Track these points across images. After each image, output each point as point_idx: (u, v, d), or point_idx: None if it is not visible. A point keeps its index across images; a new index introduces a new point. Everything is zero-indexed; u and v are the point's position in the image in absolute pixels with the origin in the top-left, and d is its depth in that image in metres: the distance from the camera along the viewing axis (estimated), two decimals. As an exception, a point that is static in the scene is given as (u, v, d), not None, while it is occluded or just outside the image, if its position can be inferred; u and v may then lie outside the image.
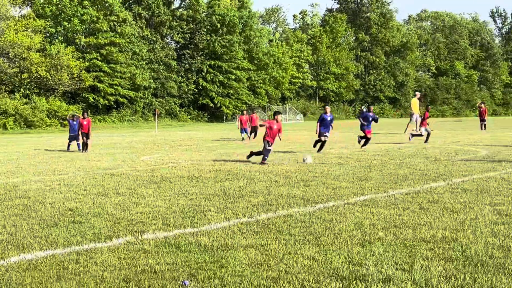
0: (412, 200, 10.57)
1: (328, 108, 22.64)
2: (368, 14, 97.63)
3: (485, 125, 41.27)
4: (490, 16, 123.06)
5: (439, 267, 6.22)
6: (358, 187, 12.37)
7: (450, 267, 6.22)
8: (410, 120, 37.34)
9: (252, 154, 18.62)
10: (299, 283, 5.82)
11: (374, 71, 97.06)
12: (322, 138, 21.60)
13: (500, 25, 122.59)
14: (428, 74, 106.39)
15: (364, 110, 24.82)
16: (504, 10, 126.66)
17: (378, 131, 40.54)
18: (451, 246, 7.10)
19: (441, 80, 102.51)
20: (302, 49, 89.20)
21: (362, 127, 23.41)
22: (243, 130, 32.40)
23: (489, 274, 5.94)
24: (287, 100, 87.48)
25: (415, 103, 37.69)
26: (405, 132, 35.52)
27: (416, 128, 34.30)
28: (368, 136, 23.27)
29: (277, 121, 18.43)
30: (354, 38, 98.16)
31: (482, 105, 43.92)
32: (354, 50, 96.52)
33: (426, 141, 26.62)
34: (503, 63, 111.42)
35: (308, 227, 8.34)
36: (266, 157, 17.97)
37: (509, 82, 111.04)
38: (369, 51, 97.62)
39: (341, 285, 5.74)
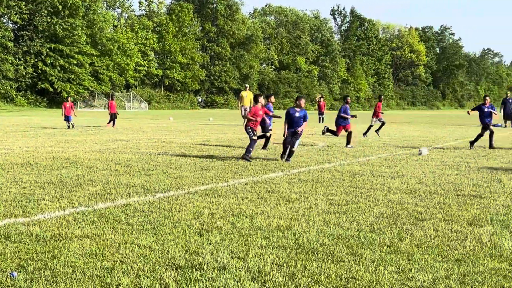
0: (251, 189, 10.81)
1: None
2: (215, 5, 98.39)
3: (323, 118, 43.21)
4: (330, 14, 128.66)
5: (272, 255, 6.40)
6: (199, 176, 12.44)
7: (283, 255, 6.43)
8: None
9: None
10: (134, 273, 5.74)
11: (220, 62, 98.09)
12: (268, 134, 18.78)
13: (339, 23, 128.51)
14: (271, 68, 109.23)
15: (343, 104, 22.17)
16: (344, 8, 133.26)
17: (221, 122, 41.04)
18: (285, 234, 7.34)
19: (284, 73, 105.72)
20: (147, 37, 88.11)
21: (341, 123, 21.33)
22: (66, 117, 31.15)
23: (319, 261, 6.21)
24: (132, 87, 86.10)
25: (243, 96, 35.86)
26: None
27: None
28: (350, 129, 21.01)
29: (262, 105, 16.47)
30: (200, 28, 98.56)
31: (321, 99, 45.97)
32: (201, 40, 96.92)
33: (364, 134, 26.65)
34: (341, 60, 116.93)
35: (147, 217, 8.26)
36: (251, 150, 15.64)
37: (346, 78, 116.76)
38: (215, 42, 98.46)
39: (176, 274, 5.74)
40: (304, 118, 15.72)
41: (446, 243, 7.05)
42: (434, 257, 6.44)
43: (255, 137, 15.90)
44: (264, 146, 18.87)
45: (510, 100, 37.47)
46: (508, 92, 40.63)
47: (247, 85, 38.61)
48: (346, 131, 20.98)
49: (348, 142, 20.55)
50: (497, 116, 20.89)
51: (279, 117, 18.07)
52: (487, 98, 20.81)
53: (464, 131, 32.00)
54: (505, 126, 36.67)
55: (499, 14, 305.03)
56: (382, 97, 28.80)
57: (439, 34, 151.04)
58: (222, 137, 24.83)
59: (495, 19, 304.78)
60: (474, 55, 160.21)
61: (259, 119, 16.26)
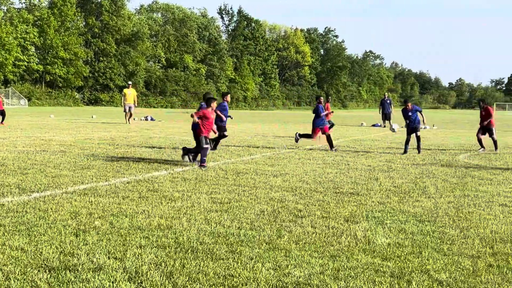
0: (133, 188, 10.62)
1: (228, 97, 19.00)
2: (99, 0, 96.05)
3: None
4: (218, 13, 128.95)
5: (151, 255, 6.31)
6: (79, 175, 12.08)
7: (162, 254, 6.35)
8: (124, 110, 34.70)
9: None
10: (3, 276, 5.47)
11: (105, 59, 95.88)
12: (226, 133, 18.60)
13: (227, 22, 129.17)
14: (158, 65, 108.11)
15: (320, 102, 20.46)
16: (231, 8, 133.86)
17: (105, 120, 40.17)
18: (165, 234, 7.26)
19: (171, 71, 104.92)
20: (28, 31, 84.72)
21: (318, 124, 19.95)
22: None
23: (198, 260, 6.18)
24: (11, 83, 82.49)
25: (126, 93, 34.70)
26: (127, 122, 34.10)
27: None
28: (328, 132, 19.95)
29: (212, 109, 14.91)
30: (84, 23, 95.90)
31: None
32: (84, 36, 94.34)
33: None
34: (229, 59, 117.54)
35: (21, 217, 7.91)
36: (205, 158, 14.34)
37: (233, 77, 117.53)
38: (100, 37, 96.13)
39: (49, 276, 5.53)
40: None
41: (323, 239, 7.22)
42: (311, 253, 6.58)
43: (207, 145, 14.43)
44: (214, 147, 18.32)
45: (388, 101, 39.06)
46: (386, 93, 42.36)
47: (130, 82, 37.77)
48: (323, 133, 19.86)
49: (331, 146, 19.42)
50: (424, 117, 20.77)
51: (231, 117, 18.54)
52: (408, 102, 19.60)
53: (345, 131, 33.01)
54: (384, 126, 38.18)
55: (381, 17, 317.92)
56: (330, 97, 28.84)
57: (324, 36, 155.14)
58: (105, 135, 24.27)
59: (377, 22, 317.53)
60: (357, 57, 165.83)
61: (210, 122, 14.71)
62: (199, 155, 14.67)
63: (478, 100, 23.42)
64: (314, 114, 20.27)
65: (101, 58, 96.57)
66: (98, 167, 13.57)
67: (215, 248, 6.65)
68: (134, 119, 35.94)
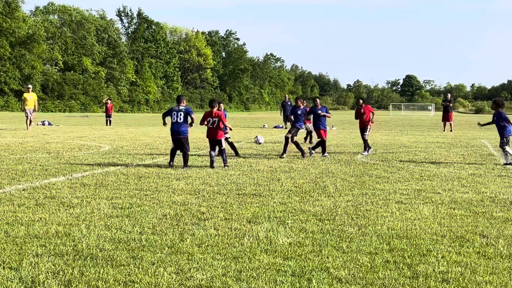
0: (29, 196, 10.26)
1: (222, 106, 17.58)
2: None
3: (110, 120, 42.50)
4: (116, 15, 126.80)
5: (48, 263, 6.11)
6: (-29, 183, 11.54)
7: (59, 262, 6.16)
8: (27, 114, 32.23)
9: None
10: None
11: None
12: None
13: (126, 24, 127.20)
14: (55, 68, 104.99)
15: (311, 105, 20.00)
16: (130, 9, 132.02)
17: (0, 126, 38.65)
18: (63, 241, 7.05)
19: (69, 75, 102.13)
20: None
21: (321, 126, 19.05)
22: None
23: (98, 267, 6.04)
24: None
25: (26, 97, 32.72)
26: (28, 128, 31.97)
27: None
28: (324, 138, 19.04)
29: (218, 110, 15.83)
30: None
31: (109, 101, 45.15)
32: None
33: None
34: (129, 62, 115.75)
35: None
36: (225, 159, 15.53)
37: (134, 80, 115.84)
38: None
39: None
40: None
41: (225, 241, 7.24)
42: (213, 255, 6.58)
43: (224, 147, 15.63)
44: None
45: (289, 103, 39.67)
46: (287, 95, 43.00)
47: (30, 86, 35.63)
48: (319, 137, 19.10)
49: (324, 150, 18.77)
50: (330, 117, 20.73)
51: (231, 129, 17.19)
52: (317, 100, 19.97)
53: (247, 133, 33.25)
54: (286, 128, 38.75)
55: (281, 20, 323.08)
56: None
57: (225, 39, 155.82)
58: (0, 141, 23.32)
59: (277, 25, 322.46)
60: (258, 59, 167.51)
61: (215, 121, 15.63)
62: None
63: (357, 99, 22.85)
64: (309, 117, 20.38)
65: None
66: (-9, 174, 13.01)
67: (116, 254, 6.52)
68: (32, 124, 34.46)
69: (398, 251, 6.89)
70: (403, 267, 6.26)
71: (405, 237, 7.59)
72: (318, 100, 20.13)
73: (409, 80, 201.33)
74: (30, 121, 32.64)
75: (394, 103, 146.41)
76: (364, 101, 21.16)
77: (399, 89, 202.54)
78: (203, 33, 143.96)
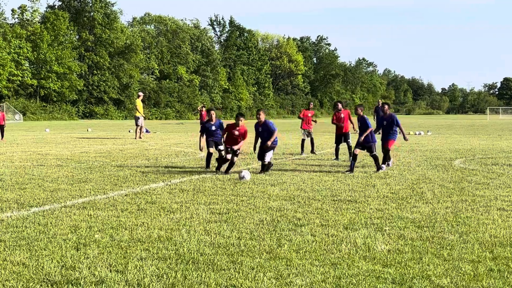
0: (131, 201, 10.63)
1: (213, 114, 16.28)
2: (92, 13, 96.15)
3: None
4: (209, 24, 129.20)
5: (152, 267, 6.32)
6: (77, 189, 12.08)
7: (163, 266, 6.36)
8: (136, 123, 32.39)
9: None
10: (6, 293, 5.48)
11: (99, 72, 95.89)
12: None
13: (219, 33, 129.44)
14: (152, 77, 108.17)
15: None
16: (222, 18, 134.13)
17: (100, 133, 40.15)
18: (165, 245, 7.27)
19: (164, 83, 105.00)
20: (21, 45, 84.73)
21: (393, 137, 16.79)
22: None
23: (200, 271, 6.19)
24: (5, 98, 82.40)
25: (139, 104, 33.36)
26: (136, 138, 31.94)
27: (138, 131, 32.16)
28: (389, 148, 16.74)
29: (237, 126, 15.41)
30: (77, 37, 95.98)
31: (203, 108, 46.00)
32: (78, 49, 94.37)
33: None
34: (222, 69, 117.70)
35: (21, 232, 7.92)
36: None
37: (227, 87, 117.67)
38: (93, 51, 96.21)
39: (52, 291, 5.53)
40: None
41: (323, 247, 7.24)
42: (312, 261, 6.60)
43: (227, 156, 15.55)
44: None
45: (380, 107, 39.08)
46: (380, 100, 42.39)
47: (141, 94, 34.56)
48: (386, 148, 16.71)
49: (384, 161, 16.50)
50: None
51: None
52: (311, 103, 20.94)
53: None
54: (379, 133, 38.19)
55: (373, 24, 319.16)
56: (312, 103, 23.47)
57: (316, 45, 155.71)
58: (101, 148, 24.27)
59: (370, 29, 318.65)
60: (350, 64, 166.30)
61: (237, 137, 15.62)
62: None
63: (335, 103, 20.14)
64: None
65: (95, 71, 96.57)
66: (95, 180, 13.57)
67: (216, 259, 6.66)
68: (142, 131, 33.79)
69: (502, 259, 6.68)
70: (508, 275, 6.07)
71: (509, 245, 7.35)
72: (386, 106, 17.59)
73: (507, 83, 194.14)
74: (141, 129, 32.50)
75: (492, 107, 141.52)
76: (343, 105, 19.92)
77: (497, 92, 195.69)
78: (294, 39, 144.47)
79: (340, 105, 19.70)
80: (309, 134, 21.71)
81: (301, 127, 22.08)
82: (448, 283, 5.83)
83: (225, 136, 15.63)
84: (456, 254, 6.91)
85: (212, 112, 16.19)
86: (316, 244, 7.38)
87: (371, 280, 5.91)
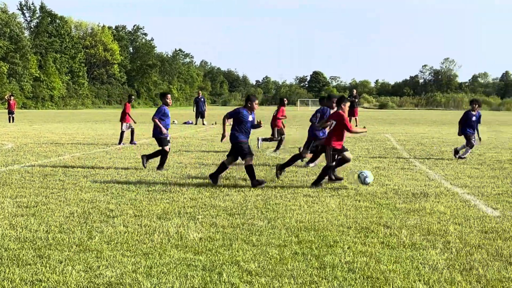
0: None
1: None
2: None
3: (13, 117, 41.10)
4: (18, 9, 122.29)
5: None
6: None
7: (-39, 264, 5.94)
8: None
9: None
10: None
11: None
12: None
13: (29, 19, 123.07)
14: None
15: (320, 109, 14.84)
16: (33, 3, 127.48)
17: None
18: (-35, 242, 6.80)
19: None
20: None
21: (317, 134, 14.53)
22: None
23: (3, 266, 5.89)
24: None
25: None
26: None
27: None
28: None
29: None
30: None
31: (11, 97, 43.64)
32: None
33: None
34: (33, 57, 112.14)
35: None
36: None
37: (38, 75, 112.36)
38: None
39: None
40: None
41: (135, 238, 7.18)
42: (123, 252, 6.52)
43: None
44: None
45: (203, 99, 39.47)
46: (201, 92, 42.74)
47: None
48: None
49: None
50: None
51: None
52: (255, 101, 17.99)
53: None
54: (196, 124, 38.65)
55: (190, 16, 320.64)
56: (133, 97, 22.40)
57: (133, 34, 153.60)
58: None
59: (187, 20, 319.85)
60: (167, 55, 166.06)
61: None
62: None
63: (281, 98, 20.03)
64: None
65: None
66: None
67: (21, 254, 6.36)
68: None
69: (306, 243, 7.05)
70: (311, 258, 6.42)
71: (312, 229, 7.77)
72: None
73: (316, 76, 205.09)
74: None
75: (302, 99, 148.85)
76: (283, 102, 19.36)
77: (307, 85, 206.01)
78: (109, 27, 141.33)
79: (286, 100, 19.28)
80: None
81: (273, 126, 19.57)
82: (255, 267, 6.04)
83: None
84: (264, 240, 7.19)
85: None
86: (128, 235, 7.31)
87: (182, 268, 5.96)
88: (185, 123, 40.74)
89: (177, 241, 7.04)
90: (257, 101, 12.27)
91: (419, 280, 5.71)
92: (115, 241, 6.98)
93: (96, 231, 7.48)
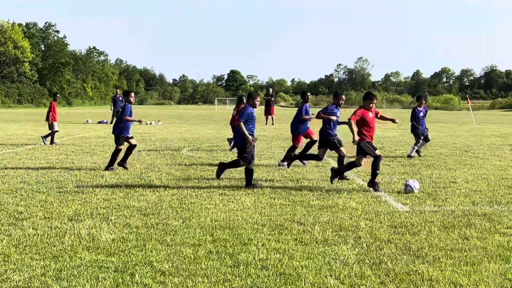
0: None
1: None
2: None
3: None
4: None
5: None
6: None
7: None
8: None
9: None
10: None
11: None
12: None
13: None
14: None
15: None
16: None
17: None
18: None
19: None
20: None
21: (300, 129, 14.87)
22: None
23: None
24: None
25: None
26: None
27: None
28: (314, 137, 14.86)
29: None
30: None
31: None
32: None
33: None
34: None
35: None
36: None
37: None
38: None
39: None
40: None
41: (45, 240, 6.99)
42: (32, 255, 6.34)
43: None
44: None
45: (120, 98, 38.65)
46: (118, 90, 41.81)
47: None
48: (306, 137, 15.12)
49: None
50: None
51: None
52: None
53: (70, 128, 32.16)
54: (111, 123, 37.92)
55: (105, 14, 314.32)
56: (58, 95, 22.04)
57: (44, 31, 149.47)
58: None
59: (101, 18, 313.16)
60: (80, 53, 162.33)
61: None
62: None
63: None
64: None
65: None
66: None
67: None
68: None
69: (220, 242, 7.06)
70: (225, 256, 6.44)
71: (227, 228, 7.79)
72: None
73: (234, 75, 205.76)
74: None
75: (219, 98, 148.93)
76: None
77: (224, 84, 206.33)
78: (19, 24, 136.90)
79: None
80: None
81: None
82: (169, 267, 6.00)
83: None
84: (178, 239, 7.15)
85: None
86: (37, 238, 7.10)
87: (93, 270, 5.85)
88: (99, 122, 39.96)
89: (89, 243, 6.90)
90: (259, 98, 12.04)
91: (331, 275, 5.83)
92: (24, 244, 6.77)
93: (3, 234, 7.23)
